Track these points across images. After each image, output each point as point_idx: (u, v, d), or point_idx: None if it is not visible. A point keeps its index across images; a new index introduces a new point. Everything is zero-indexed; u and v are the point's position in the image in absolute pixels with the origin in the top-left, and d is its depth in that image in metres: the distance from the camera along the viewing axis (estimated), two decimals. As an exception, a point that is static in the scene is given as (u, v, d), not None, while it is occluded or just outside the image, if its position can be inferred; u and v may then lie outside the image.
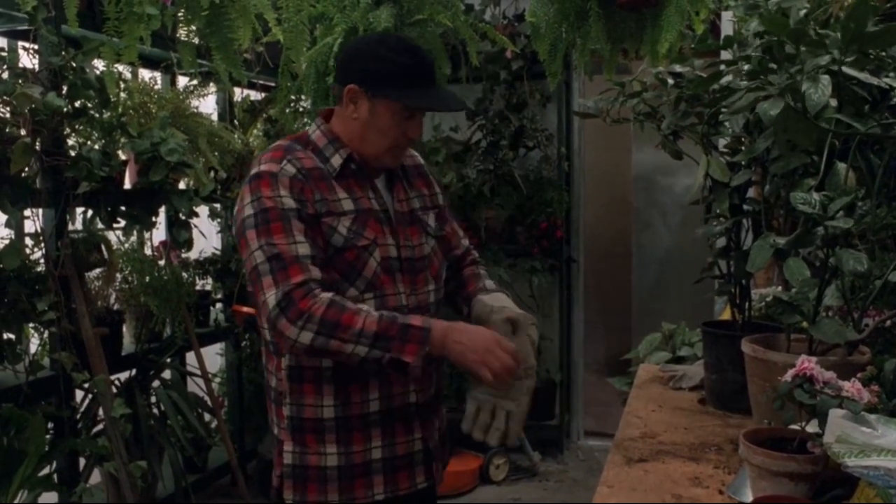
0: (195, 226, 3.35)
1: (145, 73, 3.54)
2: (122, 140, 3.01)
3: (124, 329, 3.33)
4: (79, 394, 3.01)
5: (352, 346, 1.58)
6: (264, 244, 1.62)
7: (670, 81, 2.15)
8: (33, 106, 2.60)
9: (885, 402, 1.42)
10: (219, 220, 3.89)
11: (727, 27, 3.17)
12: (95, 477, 3.13)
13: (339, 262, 1.69)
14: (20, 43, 2.86)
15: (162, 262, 3.52)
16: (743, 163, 2.03)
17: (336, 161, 1.75)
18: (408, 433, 1.79)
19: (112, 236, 3.21)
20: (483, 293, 1.86)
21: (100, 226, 3.06)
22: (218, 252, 4.05)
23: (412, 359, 1.59)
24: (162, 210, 3.26)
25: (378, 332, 1.58)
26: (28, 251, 2.77)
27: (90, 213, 3.03)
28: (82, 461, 3.01)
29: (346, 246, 1.69)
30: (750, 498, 1.42)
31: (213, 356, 4.15)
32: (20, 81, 2.63)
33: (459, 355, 1.62)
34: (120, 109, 3.02)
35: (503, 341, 1.64)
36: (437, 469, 1.87)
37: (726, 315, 2.51)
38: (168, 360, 3.48)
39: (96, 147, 2.91)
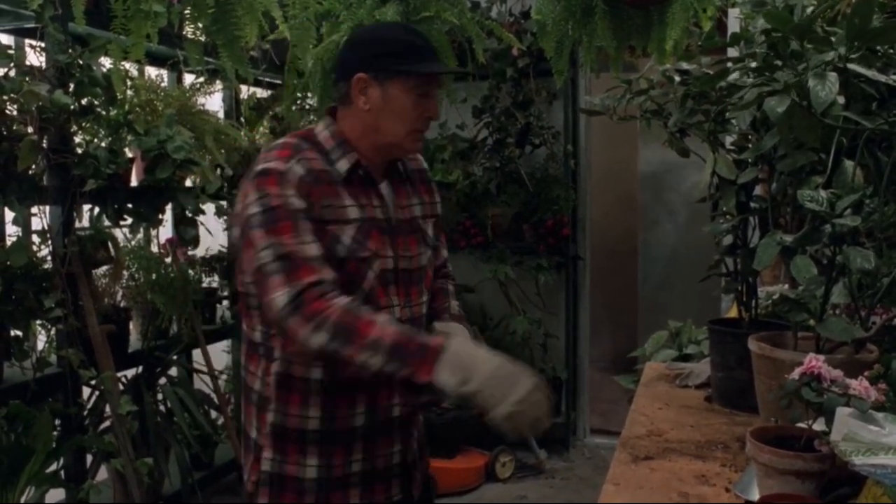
0: (201, 223, 3.36)
1: (152, 71, 3.55)
2: (129, 137, 3.01)
3: (131, 326, 3.33)
4: (86, 391, 3.02)
5: (366, 355, 1.50)
6: (272, 243, 1.54)
7: (677, 79, 2.14)
8: (40, 103, 2.61)
9: (893, 401, 1.41)
10: (225, 217, 3.89)
11: (734, 24, 3.16)
12: (102, 474, 3.14)
13: (341, 273, 1.61)
14: (27, 40, 2.87)
15: (168, 260, 3.52)
16: (750, 160, 2.03)
17: (343, 166, 1.68)
18: (388, 446, 1.74)
19: (119, 234, 3.21)
20: (444, 319, 1.82)
21: (106, 223, 3.07)
22: (224, 249, 4.06)
23: (427, 378, 1.50)
24: (168, 207, 3.27)
25: (395, 346, 1.50)
26: (35, 248, 2.79)
27: (97, 210, 3.04)
28: (89, 458, 3.02)
29: (348, 257, 1.63)
30: (757, 496, 1.41)
31: (220, 353, 4.15)
32: (27, 79, 2.64)
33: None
34: (126, 107, 3.03)
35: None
36: (415, 478, 1.82)
37: (733, 313, 2.50)
38: (175, 357, 3.48)
39: (103, 144, 2.92)
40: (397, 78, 1.65)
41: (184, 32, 2.98)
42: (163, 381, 3.44)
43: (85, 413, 3.00)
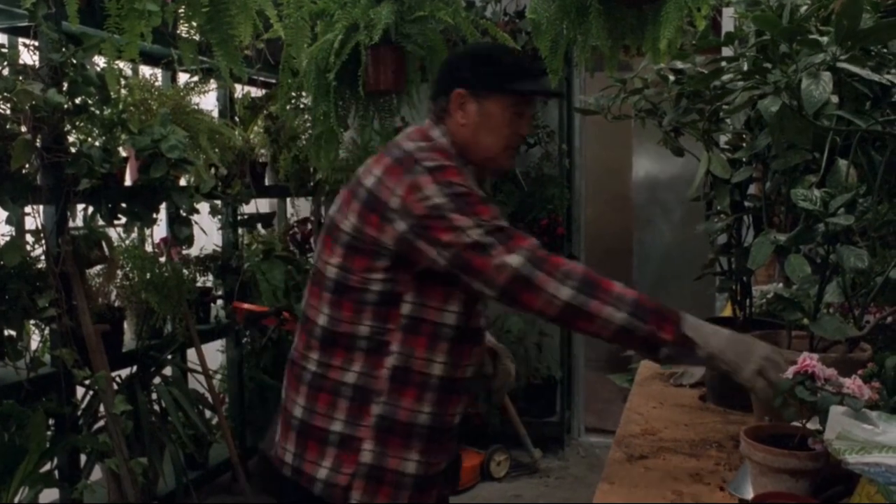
0: (196, 222, 3.35)
1: (146, 70, 3.54)
2: (123, 137, 3.01)
3: (125, 326, 3.33)
4: (80, 390, 3.01)
5: (611, 309, 1.52)
6: (478, 221, 1.57)
7: (671, 78, 2.14)
8: (34, 103, 2.60)
9: (886, 399, 1.42)
10: (219, 216, 3.89)
11: (728, 24, 3.16)
12: (96, 473, 3.13)
13: None
14: (20, 39, 2.86)
15: (163, 259, 3.52)
16: (744, 159, 2.03)
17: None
18: (456, 445, 1.83)
19: (113, 233, 3.21)
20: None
21: (100, 222, 3.07)
22: (219, 249, 4.05)
23: (670, 336, 1.53)
24: (163, 207, 3.26)
25: (637, 301, 1.54)
26: (29, 248, 2.78)
27: (91, 209, 3.03)
28: (83, 458, 3.01)
29: None
30: (751, 494, 1.42)
31: (214, 353, 4.15)
32: (21, 78, 2.63)
33: (722, 352, 1.54)
34: (121, 106, 3.02)
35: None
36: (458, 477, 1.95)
37: (727, 312, 2.51)
38: (169, 356, 3.48)
39: (97, 144, 2.92)
40: (494, 95, 1.71)
41: (178, 31, 2.98)
42: (157, 380, 3.43)
43: (79, 413, 2.99)
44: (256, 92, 4.25)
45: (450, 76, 1.77)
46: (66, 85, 2.74)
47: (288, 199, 4.73)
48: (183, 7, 2.55)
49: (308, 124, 4.06)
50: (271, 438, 1.83)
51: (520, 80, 1.73)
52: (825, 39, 1.57)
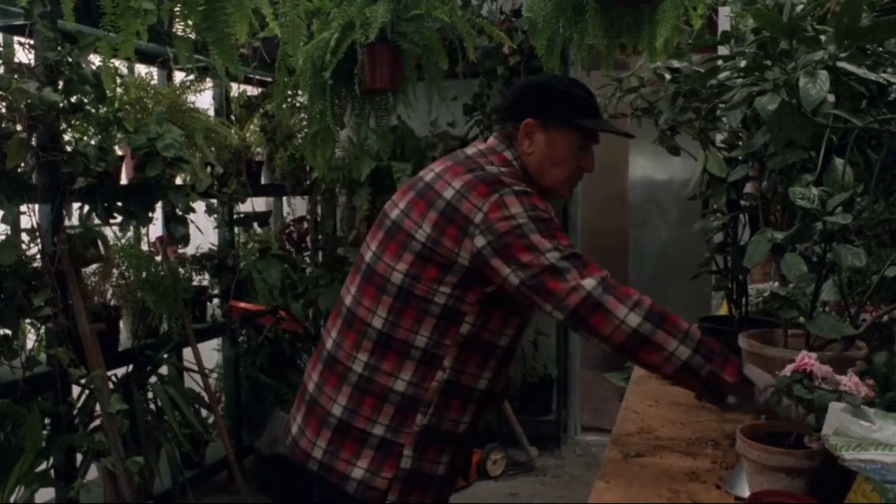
0: (192, 221, 3.34)
1: (142, 69, 3.53)
2: (119, 135, 3.01)
3: (121, 325, 3.32)
4: (75, 390, 3.01)
5: (676, 343, 1.55)
6: (557, 245, 1.62)
7: (668, 77, 2.15)
8: (29, 101, 2.60)
9: (881, 396, 1.42)
10: (215, 215, 3.89)
11: (724, 23, 3.17)
12: (92, 472, 3.13)
13: None
14: (16, 38, 2.85)
15: (159, 258, 3.52)
16: (740, 158, 2.03)
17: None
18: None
19: (109, 232, 3.20)
20: None
21: (96, 221, 3.06)
22: (215, 247, 4.05)
23: (733, 378, 1.55)
24: (159, 205, 3.26)
25: (702, 340, 1.57)
26: (24, 247, 2.77)
27: (87, 208, 3.03)
28: (79, 457, 3.01)
29: None
30: (747, 493, 1.42)
31: (210, 352, 4.14)
32: (16, 77, 2.63)
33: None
34: (116, 105, 3.02)
35: None
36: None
37: (723, 310, 2.52)
38: (165, 355, 3.47)
39: (93, 142, 2.91)
40: (564, 128, 1.77)
41: (174, 30, 2.97)
42: (153, 379, 3.43)
43: (75, 412, 2.99)
44: (252, 90, 4.24)
45: (521, 104, 1.82)
46: (61, 83, 2.74)
47: (284, 198, 4.73)
48: (179, 5, 2.55)
49: (304, 123, 4.05)
50: (270, 435, 1.85)
51: (589, 116, 1.80)
52: (824, 37, 1.57)
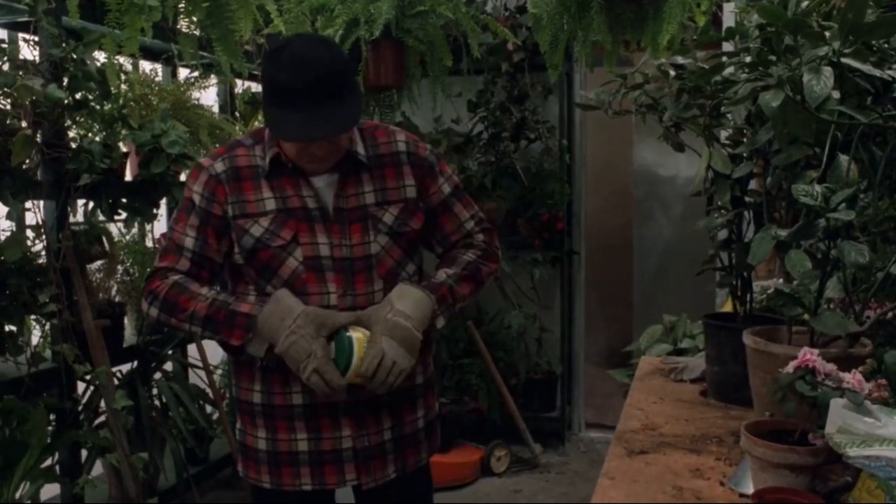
0: (196, 218, 3.34)
1: (146, 65, 3.54)
2: (124, 132, 3.01)
3: (126, 321, 3.33)
4: (80, 386, 3.02)
5: (187, 325, 1.74)
6: (171, 226, 1.84)
7: (672, 73, 2.14)
8: (34, 98, 2.60)
9: (894, 396, 1.42)
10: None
11: (729, 19, 3.16)
12: (97, 469, 3.14)
13: (254, 262, 1.78)
14: (20, 34, 2.85)
15: (163, 255, 3.51)
16: (745, 154, 2.03)
17: (265, 161, 1.80)
18: (335, 430, 1.80)
19: (113, 228, 3.21)
20: (420, 283, 1.85)
21: (101, 218, 3.07)
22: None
23: (238, 342, 1.71)
24: (163, 202, 3.26)
25: (207, 316, 1.72)
26: (29, 243, 2.78)
27: (91, 205, 3.04)
28: (84, 453, 3.02)
29: (258, 247, 1.76)
30: (751, 490, 1.42)
31: (215, 348, 4.14)
32: (21, 73, 2.63)
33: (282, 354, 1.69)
34: (121, 101, 3.02)
35: (320, 357, 1.65)
36: (377, 466, 1.84)
37: (728, 307, 2.51)
38: (169, 351, 3.48)
39: (97, 139, 2.91)
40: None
41: (178, 27, 2.98)
42: (158, 375, 3.44)
43: (80, 408, 3.00)
44: (257, 87, 4.24)
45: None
46: (66, 80, 2.74)
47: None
48: (183, 2, 2.55)
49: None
50: None
51: (281, 109, 1.72)
52: (829, 33, 1.56)
